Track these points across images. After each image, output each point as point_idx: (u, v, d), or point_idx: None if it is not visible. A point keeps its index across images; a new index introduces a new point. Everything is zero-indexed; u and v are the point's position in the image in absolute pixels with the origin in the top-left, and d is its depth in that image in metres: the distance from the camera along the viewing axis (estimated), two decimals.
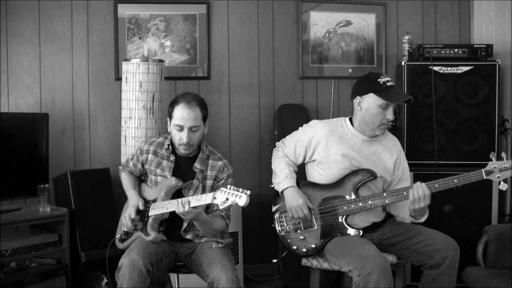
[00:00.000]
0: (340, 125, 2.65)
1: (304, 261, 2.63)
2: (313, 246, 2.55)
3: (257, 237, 3.77)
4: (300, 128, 2.72)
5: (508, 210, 3.52)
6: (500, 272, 2.70)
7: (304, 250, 2.57)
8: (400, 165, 2.66)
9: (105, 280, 3.14)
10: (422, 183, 2.42)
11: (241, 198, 2.12)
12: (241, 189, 2.15)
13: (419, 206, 2.41)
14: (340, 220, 2.54)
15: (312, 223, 2.58)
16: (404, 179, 2.67)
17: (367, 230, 2.55)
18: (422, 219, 2.55)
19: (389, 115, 2.51)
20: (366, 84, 2.55)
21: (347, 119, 2.67)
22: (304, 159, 2.69)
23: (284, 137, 2.79)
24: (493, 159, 2.40)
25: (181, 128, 2.44)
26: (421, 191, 2.39)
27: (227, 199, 2.14)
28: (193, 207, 2.26)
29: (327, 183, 2.60)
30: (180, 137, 2.45)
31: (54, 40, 3.55)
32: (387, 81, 2.52)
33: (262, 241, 3.79)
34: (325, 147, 2.59)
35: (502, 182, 2.39)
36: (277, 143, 2.81)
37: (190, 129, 2.43)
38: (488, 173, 2.39)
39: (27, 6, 3.50)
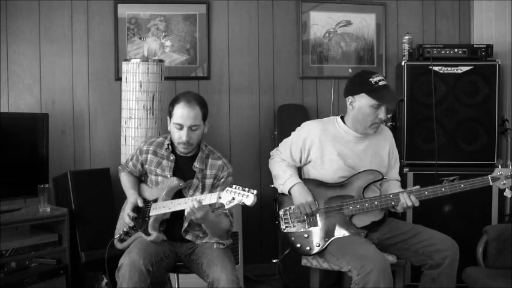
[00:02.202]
0: (332, 124, 2.66)
1: (304, 262, 2.62)
2: (317, 244, 2.55)
3: (257, 237, 3.77)
4: (292, 133, 2.73)
5: (508, 210, 3.52)
6: (500, 272, 2.70)
7: (308, 248, 2.57)
8: (393, 153, 2.71)
9: (105, 280, 3.14)
10: (411, 196, 2.46)
11: (249, 198, 2.11)
12: (247, 189, 2.14)
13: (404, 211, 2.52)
14: (345, 220, 2.54)
15: (316, 221, 2.58)
16: (394, 165, 2.73)
17: (368, 230, 2.55)
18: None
19: (382, 114, 2.52)
20: (357, 84, 2.56)
21: (338, 117, 2.68)
22: (300, 162, 2.69)
23: (284, 137, 2.79)
24: (499, 166, 2.43)
25: (181, 127, 2.44)
26: (408, 201, 2.45)
27: (233, 199, 2.13)
28: (203, 205, 2.25)
29: (334, 182, 2.60)
30: (179, 136, 2.45)
31: (54, 40, 3.55)
32: (379, 80, 2.52)
33: (262, 241, 3.79)
34: (319, 147, 2.60)
35: (507, 189, 2.42)
36: (271, 152, 2.81)
37: (190, 128, 2.44)
38: (494, 179, 2.42)
39: (27, 6, 3.50)
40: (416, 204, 2.45)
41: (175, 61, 3.68)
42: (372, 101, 2.50)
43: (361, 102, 2.53)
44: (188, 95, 2.48)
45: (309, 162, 2.66)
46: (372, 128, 2.57)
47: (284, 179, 2.62)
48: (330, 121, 2.69)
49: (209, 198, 2.23)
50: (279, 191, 2.68)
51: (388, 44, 3.88)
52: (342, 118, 2.67)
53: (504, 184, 2.41)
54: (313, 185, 2.62)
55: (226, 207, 2.17)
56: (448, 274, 2.42)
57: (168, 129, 2.53)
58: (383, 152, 2.66)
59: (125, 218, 2.49)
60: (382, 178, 2.57)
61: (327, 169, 2.59)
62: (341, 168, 2.58)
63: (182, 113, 2.42)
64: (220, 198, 2.18)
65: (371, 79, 2.52)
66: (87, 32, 3.59)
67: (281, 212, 2.66)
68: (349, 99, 2.58)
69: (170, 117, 2.49)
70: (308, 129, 2.65)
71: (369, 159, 2.61)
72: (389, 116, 2.54)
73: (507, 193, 2.42)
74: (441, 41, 3.88)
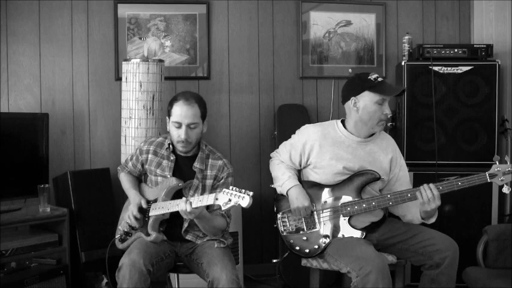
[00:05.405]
0: (332, 128, 2.64)
1: (304, 262, 2.62)
2: (316, 247, 2.55)
3: (257, 237, 3.77)
4: (292, 136, 2.72)
5: (508, 210, 3.52)
6: (500, 272, 2.71)
7: (307, 251, 2.57)
8: (396, 163, 2.66)
9: (105, 280, 3.14)
10: (430, 184, 2.41)
11: (244, 199, 2.12)
12: (243, 190, 2.14)
13: (430, 208, 2.40)
14: (343, 221, 2.54)
15: (314, 224, 2.57)
16: (402, 177, 2.67)
17: (367, 231, 2.55)
18: (432, 221, 2.54)
19: (387, 110, 2.52)
20: (357, 84, 2.56)
21: (339, 121, 2.66)
22: (300, 165, 2.68)
23: (284, 137, 2.79)
24: (497, 162, 2.40)
25: (179, 125, 2.44)
26: (429, 193, 2.39)
27: (230, 200, 2.14)
28: (195, 208, 2.26)
29: (331, 184, 2.59)
30: (178, 134, 2.45)
31: (54, 40, 3.55)
32: (377, 77, 2.53)
33: (262, 241, 3.79)
34: (319, 152, 2.58)
35: (505, 185, 2.39)
36: (271, 154, 2.80)
37: (189, 126, 2.44)
38: (492, 176, 2.39)
39: (27, 6, 3.50)
40: (436, 192, 2.37)
41: (175, 61, 3.68)
42: (376, 96, 2.49)
43: (365, 101, 2.52)
44: (187, 94, 2.49)
45: (309, 165, 2.65)
46: (379, 125, 2.55)
47: (282, 180, 2.63)
48: (330, 125, 2.67)
49: (206, 200, 2.23)
50: (278, 191, 2.68)
51: (388, 44, 3.88)
52: (343, 122, 2.66)
53: (502, 180, 2.38)
54: (311, 186, 2.61)
55: (222, 208, 2.17)
56: (447, 274, 2.42)
57: (168, 129, 2.53)
58: (384, 159, 2.62)
59: (129, 218, 2.48)
60: (379, 178, 2.56)
61: (326, 173, 2.58)
62: (340, 173, 2.56)
63: (181, 111, 2.43)
64: (217, 199, 2.19)
65: (369, 77, 2.53)
66: (87, 32, 3.59)
67: (279, 215, 2.66)
68: (352, 100, 2.55)
69: (169, 116, 2.49)
70: (308, 134, 2.64)
71: (368, 163, 2.59)
72: (389, 116, 2.53)
73: (505, 189, 2.39)
74: (441, 41, 3.88)
